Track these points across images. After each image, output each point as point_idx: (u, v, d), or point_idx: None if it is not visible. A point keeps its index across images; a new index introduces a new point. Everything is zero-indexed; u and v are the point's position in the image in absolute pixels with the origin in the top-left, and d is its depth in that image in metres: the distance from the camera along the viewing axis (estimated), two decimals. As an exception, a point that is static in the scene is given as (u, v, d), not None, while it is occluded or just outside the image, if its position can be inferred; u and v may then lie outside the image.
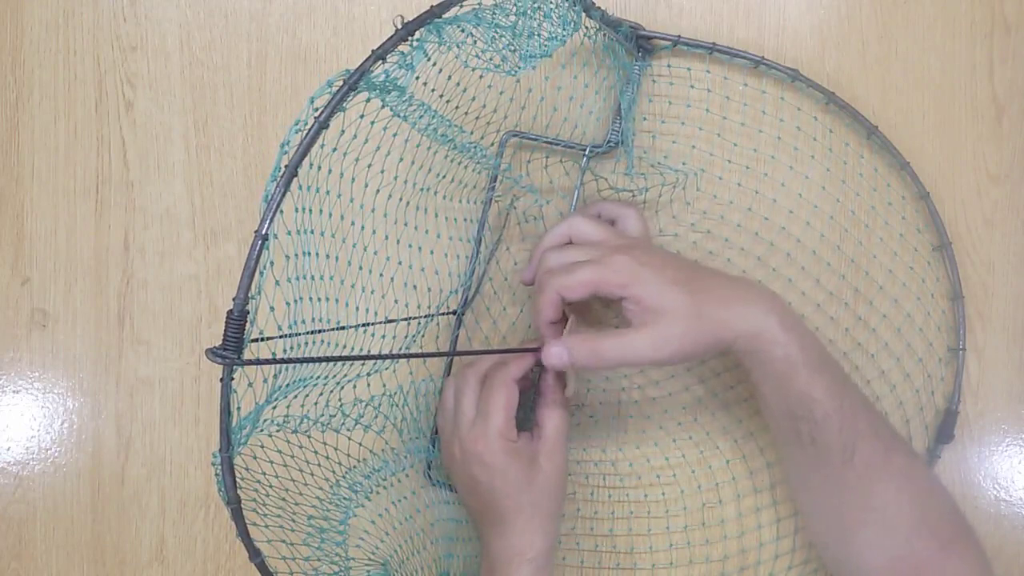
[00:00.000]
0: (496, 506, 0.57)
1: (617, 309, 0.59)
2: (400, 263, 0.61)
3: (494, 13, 0.48)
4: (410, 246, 0.62)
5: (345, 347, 0.54)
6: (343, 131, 0.46)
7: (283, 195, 0.40)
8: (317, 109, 0.41)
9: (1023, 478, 0.69)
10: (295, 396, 0.50)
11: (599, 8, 0.58)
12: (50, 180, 0.70)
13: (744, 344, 0.54)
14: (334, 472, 0.59)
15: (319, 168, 0.44)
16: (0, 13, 0.69)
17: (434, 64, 0.49)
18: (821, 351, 0.56)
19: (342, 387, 0.54)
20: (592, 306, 0.68)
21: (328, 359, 0.47)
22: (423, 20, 0.43)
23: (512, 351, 0.62)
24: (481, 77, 0.56)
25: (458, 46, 0.47)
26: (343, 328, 0.53)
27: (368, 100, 0.46)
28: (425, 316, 0.64)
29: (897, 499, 0.55)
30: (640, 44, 0.65)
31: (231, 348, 0.40)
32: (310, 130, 0.40)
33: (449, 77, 0.54)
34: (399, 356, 0.51)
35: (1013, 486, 0.69)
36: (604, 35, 0.62)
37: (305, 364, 0.46)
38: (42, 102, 0.70)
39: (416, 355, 0.63)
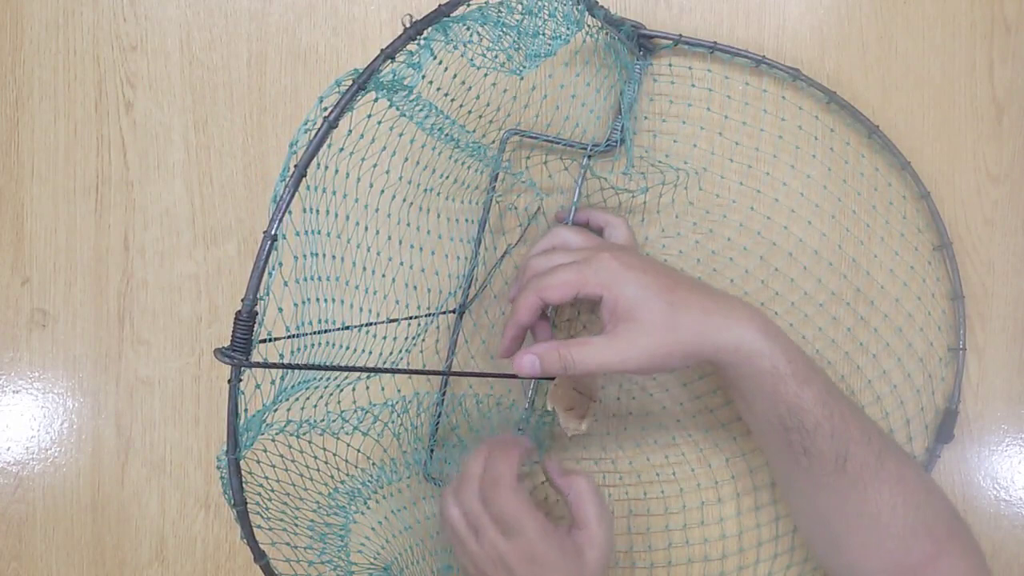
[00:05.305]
0: None
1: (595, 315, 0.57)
2: (402, 263, 0.61)
3: (500, 12, 0.48)
4: (412, 246, 0.62)
5: (348, 347, 0.54)
6: (350, 131, 0.46)
7: (293, 195, 0.39)
8: (326, 109, 0.41)
9: (1023, 478, 0.69)
10: (296, 399, 0.50)
11: (603, 7, 0.58)
12: (50, 180, 0.70)
13: (727, 357, 0.53)
14: (333, 477, 0.59)
15: (326, 168, 0.44)
16: (0, 13, 0.69)
17: (440, 63, 0.49)
18: (807, 360, 0.55)
19: (341, 389, 0.54)
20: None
21: (335, 368, 0.47)
22: (432, 19, 0.43)
23: (492, 375, 0.61)
24: (485, 75, 0.56)
25: (464, 45, 0.47)
26: (347, 328, 0.52)
27: (376, 100, 0.45)
28: (427, 315, 0.64)
29: (891, 503, 0.55)
30: (641, 43, 0.65)
31: (239, 349, 0.39)
32: (320, 129, 0.40)
33: (455, 76, 0.54)
34: (400, 371, 0.51)
35: (1013, 486, 0.69)
36: (606, 34, 0.62)
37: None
38: (42, 102, 0.69)
39: (417, 372, 0.64)
